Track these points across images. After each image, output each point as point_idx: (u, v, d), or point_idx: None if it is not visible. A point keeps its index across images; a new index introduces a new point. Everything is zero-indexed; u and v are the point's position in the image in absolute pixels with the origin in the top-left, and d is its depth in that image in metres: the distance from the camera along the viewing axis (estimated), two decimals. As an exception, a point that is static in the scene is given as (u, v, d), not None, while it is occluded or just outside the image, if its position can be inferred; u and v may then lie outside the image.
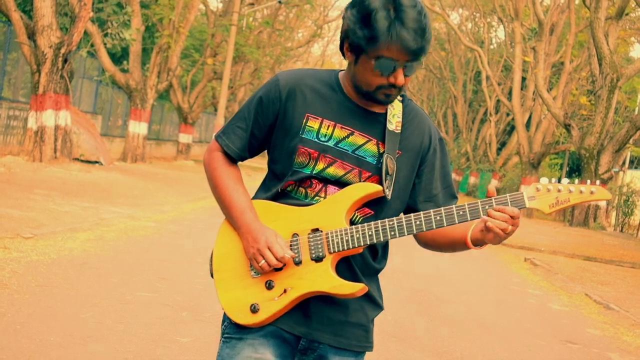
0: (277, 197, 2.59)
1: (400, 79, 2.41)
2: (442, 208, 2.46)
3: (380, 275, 2.73)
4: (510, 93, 38.58)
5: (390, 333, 7.03)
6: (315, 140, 2.52)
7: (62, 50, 18.41)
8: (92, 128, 23.31)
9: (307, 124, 2.53)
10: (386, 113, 2.57)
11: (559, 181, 2.43)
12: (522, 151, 33.82)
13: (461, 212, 2.44)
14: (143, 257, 9.17)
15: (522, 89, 36.96)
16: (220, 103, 32.54)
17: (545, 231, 23.59)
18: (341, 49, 2.51)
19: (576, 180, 2.42)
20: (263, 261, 2.46)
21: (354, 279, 2.54)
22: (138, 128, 26.79)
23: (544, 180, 2.43)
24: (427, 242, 2.68)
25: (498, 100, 43.68)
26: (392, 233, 2.45)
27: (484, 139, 48.00)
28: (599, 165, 25.88)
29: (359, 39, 2.37)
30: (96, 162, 21.49)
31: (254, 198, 2.65)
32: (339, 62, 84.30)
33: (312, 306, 2.53)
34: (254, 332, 2.54)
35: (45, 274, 7.31)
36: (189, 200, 16.88)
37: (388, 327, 7.21)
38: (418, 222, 2.45)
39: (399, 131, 2.57)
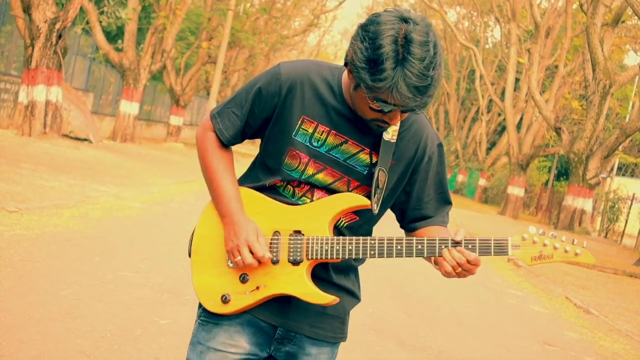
0: (264, 190, 2.58)
1: (395, 120, 2.37)
2: (425, 239, 2.43)
3: (361, 268, 2.74)
4: (503, 93, 38.64)
5: (369, 326, 7.05)
6: (308, 144, 2.50)
7: (57, 26, 18.31)
8: (83, 105, 23.23)
9: (302, 127, 2.50)
10: None
11: (549, 234, 2.42)
12: (512, 152, 33.91)
13: (443, 246, 2.41)
14: (127, 237, 9.16)
15: (515, 90, 37.02)
16: (213, 87, 32.48)
17: (529, 233, 23.62)
18: (345, 64, 2.40)
19: (564, 237, 2.40)
20: (239, 258, 2.46)
21: (327, 276, 2.56)
22: (129, 108, 26.70)
23: (532, 229, 2.41)
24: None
25: (490, 100, 43.82)
26: (372, 252, 2.44)
27: (474, 138, 48.15)
28: (587, 170, 25.97)
29: (360, 79, 2.25)
30: (85, 139, 21.42)
31: (240, 182, 2.64)
32: (333, 53, 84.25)
33: (289, 297, 2.53)
34: (230, 318, 2.55)
35: (28, 248, 7.29)
36: (176, 182, 16.83)
37: (368, 321, 7.24)
38: (399, 248, 2.43)
39: (394, 140, 2.53)
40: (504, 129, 42.62)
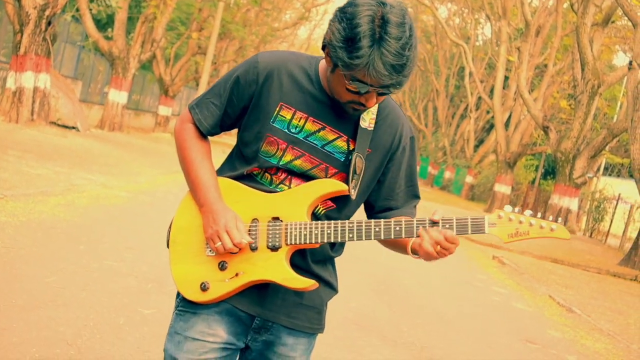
0: (242, 178, 2.60)
1: (371, 102, 2.39)
2: (402, 220, 2.44)
3: (345, 263, 2.75)
4: (492, 91, 38.79)
5: (352, 320, 7.07)
6: (286, 130, 2.52)
7: (47, 12, 18.23)
8: (72, 93, 23.14)
9: (280, 113, 2.52)
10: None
11: (524, 212, 2.42)
12: (499, 150, 34.00)
13: (420, 226, 2.42)
14: (113, 225, 9.15)
15: (504, 88, 37.14)
16: (202, 78, 32.42)
17: (515, 231, 23.71)
18: (322, 48, 2.45)
19: (539, 215, 2.40)
20: (219, 243, 2.47)
21: (305, 265, 2.57)
22: (118, 96, 26.62)
23: (507, 208, 2.42)
24: (381, 240, 2.61)
25: (479, 98, 43.89)
26: (350, 236, 2.45)
27: (463, 135, 48.25)
28: (574, 170, 26.06)
29: (337, 58, 2.30)
30: (73, 127, 21.34)
31: (219, 173, 2.66)
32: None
33: (267, 287, 2.54)
34: (209, 308, 2.56)
35: (13, 235, 7.27)
36: (163, 172, 16.81)
37: (350, 315, 7.26)
38: (377, 230, 2.44)
39: (372, 129, 2.55)
40: (492, 126, 42.75)
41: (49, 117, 19.63)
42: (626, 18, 27.18)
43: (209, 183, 2.57)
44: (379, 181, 2.65)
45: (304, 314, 2.62)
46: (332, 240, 2.46)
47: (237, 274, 2.49)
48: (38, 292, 5.70)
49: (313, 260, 2.60)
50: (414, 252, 2.49)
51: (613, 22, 29.71)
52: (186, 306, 2.60)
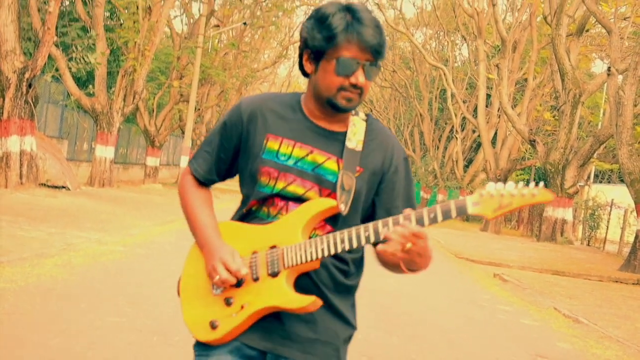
0: (243, 218, 2.64)
1: (361, 78, 2.43)
2: (390, 218, 2.39)
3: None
4: (475, 110, 38.93)
5: (360, 352, 7.03)
6: (275, 160, 2.55)
7: (27, 75, 18.29)
8: (58, 153, 23.14)
9: (267, 145, 2.56)
10: (346, 132, 2.58)
11: (505, 185, 2.37)
12: (489, 168, 34.10)
13: (382, 225, 2.38)
14: (111, 281, 9.10)
15: (487, 106, 37.31)
16: (187, 125, 32.49)
17: (513, 247, 23.75)
18: (300, 65, 2.56)
19: (521, 184, 2.34)
20: (217, 276, 2.48)
21: (318, 293, 2.53)
22: (105, 152, 26.60)
23: (490, 186, 2.39)
24: (383, 263, 2.55)
25: (464, 118, 44.08)
26: (343, 245, 2.42)
27: (451, 157, 48.37)
28: (565, 180, 26.16)
29: (317, 41, 2.42)
30: (63, 187, 21.30)
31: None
32: (305, 83, 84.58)
33: (279, 321, 2.53)
34: (219, 349, 2.55)
35: (13, 301, 7.23)
36: (157, 223, 16.78)
37: (358, 346, 7.21)
38: (367, 234, 2.41)
39: (360, 149, 2.57)
40: (479, 145, 42.87)
41: (38, 178, 19.60)
42: (600, 26, 27.43)
43: (206, 224, 2.63)
44: (375, 203, 2.64)
45: (320, 349, 2.56)
46: (327, 254, 2.43)
47: (242, 307, 2.50)
48: (43, 355, 5.65)
49: (326, 288, 2.56)
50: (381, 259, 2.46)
51: (587, 30, 29.99)
52: (200, 351, 2.60)
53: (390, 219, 2.39)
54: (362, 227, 2.42)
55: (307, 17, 2.51)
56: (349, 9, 2.42)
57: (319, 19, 2.43)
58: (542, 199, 2.33)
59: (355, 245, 2.43)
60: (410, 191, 2.69)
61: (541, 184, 2.36)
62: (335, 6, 2.43)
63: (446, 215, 2.36)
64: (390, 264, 2.46)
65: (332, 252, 2.44)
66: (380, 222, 2.40)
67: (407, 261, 2.37)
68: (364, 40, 2.37)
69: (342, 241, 2.43)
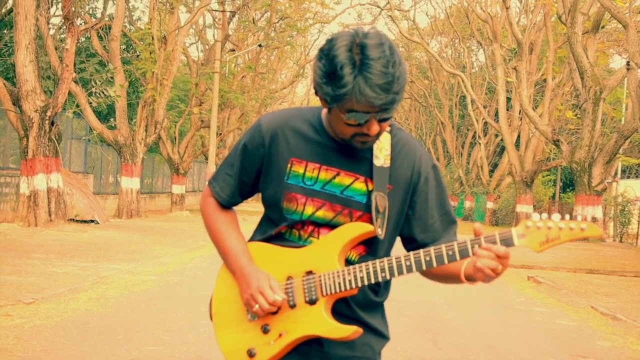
0: (271, 239, 2.60)
1: (373, 129, 2.35)
2: (431, 248, 2.38)
3: (386, 307, 2.72)
4: (496, 114, 38.82)
5: (400, 364, 7.00)
6: (301, 185, 2.51)
7: (48, 113, 18.50)
8: (85, 187, 23.33)
9: (292, 169, 2.52)
10: (372, 148, 2.52)
11: (550, 217, 2.34)
12: (514, 171, 33.94)
13: (450, 253, 2.37)
14: (146, 311, 9.13)
15: (507, 110, 37.16)
16: (210, 151, 32.64)
17: (545, 248, 23.53)
18: (315, 93, 2.46)
19: (567, 217, 2.32)
20: (257, 306, 2.46)
21: (350, 313, 2.53)
22: (130, 183, 26.80)
23: (535, 216, 2.34)
24: (424, 273, 2.58)
25: (485, 123, 43.93)
26: (383, 275, 2.41)
27: (476, 162, 48.17)
28: (592, 178, 25.96)
29: (326, 95, 2.31)
30: (91, 220, 21.47)
31: (250, 239, 2.67)
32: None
33: (317, 344, 2.51)
34: None
35: (50, 337, 7.27)
36: (187, 250, 16.84)
37: (400, 358, 7.18)
38: (408, 264, 2.40)
39: (388, 165, 2.52)
40: (503, 149, 42.70)
41: (67, 215, 19.78)
42: (615, 21, 27.28)
43: (237, 249, 2.58)
44: (409, 216, 2.60)
45: None
46: (367, 283, 2.43)
47: (280, 335, 2.47)
48: (84, 389, 5.67)
49: (359, 307, 2.56)
50: (469, 278, 2.45)
51: (603, 27, 29.83)
52: None
53: (421, 251, 2.40)
54: (402, 256, 2.41)
55: (319, 51, 2.36)
56: (361, 59, 2.24)
57: (328, 70, 2.27)
58: (590, 233, 2.31)
59: (396, 274, 2.42)
60: (444, 199, 2.64)
61: (589, 218, 2.33)
62: (344, 51, 2.25)
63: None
64: (449, 277, 2.52)
65: (372, 281, 2.43)
66: (422, 252, 2.39)
67: (487, 279, 2.36)
68: (369, 102, 2.25)
69: (383, 270, 2.42)
